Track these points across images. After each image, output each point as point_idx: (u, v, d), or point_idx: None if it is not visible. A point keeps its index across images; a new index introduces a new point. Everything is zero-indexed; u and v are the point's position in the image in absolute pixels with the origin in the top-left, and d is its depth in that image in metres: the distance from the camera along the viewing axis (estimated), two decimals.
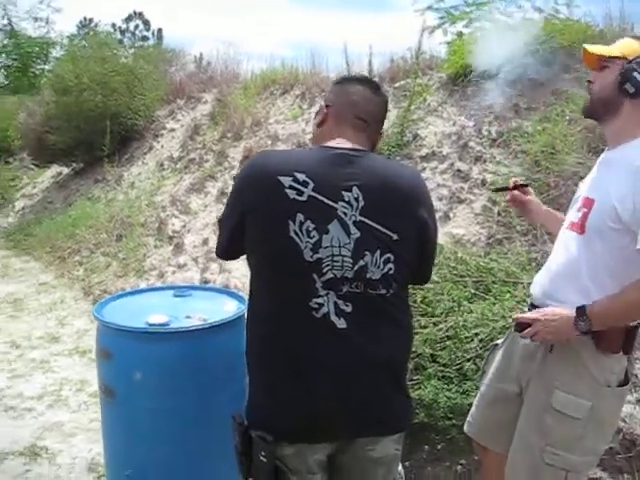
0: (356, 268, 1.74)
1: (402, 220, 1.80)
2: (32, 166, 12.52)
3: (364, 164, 1.82)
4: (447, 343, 3.14)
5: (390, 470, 1.93)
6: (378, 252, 1.76)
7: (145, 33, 33.92)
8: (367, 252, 1.75)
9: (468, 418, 2.44)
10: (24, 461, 3.56)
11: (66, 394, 4.49)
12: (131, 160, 9.64)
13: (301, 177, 1.73)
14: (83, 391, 4.53)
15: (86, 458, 3.59)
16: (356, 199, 1.75)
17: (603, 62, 2.02)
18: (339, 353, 1.74)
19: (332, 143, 1.86)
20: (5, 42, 20.87)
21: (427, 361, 3.10)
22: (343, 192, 1.75)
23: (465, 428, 2.46)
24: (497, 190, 2.57)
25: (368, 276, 1.75)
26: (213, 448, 2.68)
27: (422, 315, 3.29)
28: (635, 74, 1.92)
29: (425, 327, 3.22)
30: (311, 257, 1.71)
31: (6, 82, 21.50)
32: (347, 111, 1.91)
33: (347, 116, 1.91)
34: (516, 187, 2.47)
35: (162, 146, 9.34)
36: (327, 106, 1.96)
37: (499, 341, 2.42)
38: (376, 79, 6.46)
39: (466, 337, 3.08)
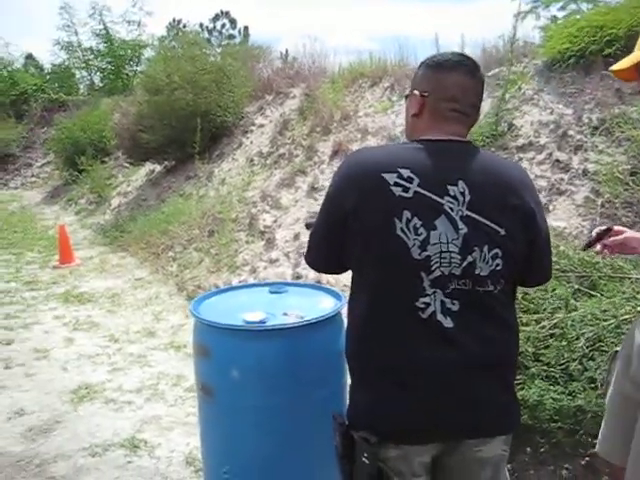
0: (464, 264, 1.67)
1: (508, 214, 1.72)
2: (126, 165, 12.94)
3: (468, 157, 1.76)
4: (551, 342, 3.00)
5: (498, 471, 1.85)
6: (486, 247, 1.68)
7: (232, 32, 34.32)
8: (475, 247, 1.67)
9: (599, 437, 2.26)
10: (125, 453, 3.65)
11: (163, 388, 4.58)
12: (221, 156, 9.78)
13: (405, 173, 1.67)
14: (179, 385, 4.61)
15: (183, 452, 3.64)
16: (462, 193, 1.68)
17: (638, 68, 1.87)
18: (446, 355, 1.67)
19: (432, 136, 1.78)
20: (100, 47, 21.61)
21: (530, 360, 2.97)
22: (449, 186, 1.68)
23: (596, 448, 2.27)
24: (586, 248, 2.27)
25: (476, 272, 1.68)
26: (312, 446, 2.66)
27: (524, 312, 3.16)
28: None
29: (527, 325, 3.08)
30: (419, 255, 1.65)
31: (101, 84, 22.32)
32: (447, 106, 1.80)
33: (446, 112, 1.80)
34: (600, 237, 2.15)
35: (251, 142, 9.43)
36: (422, 95, 1.83)
37: (619, 348, 2.27)
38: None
39: (572, 336, 2.92)
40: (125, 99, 13.92)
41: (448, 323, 1.66)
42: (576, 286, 3.25)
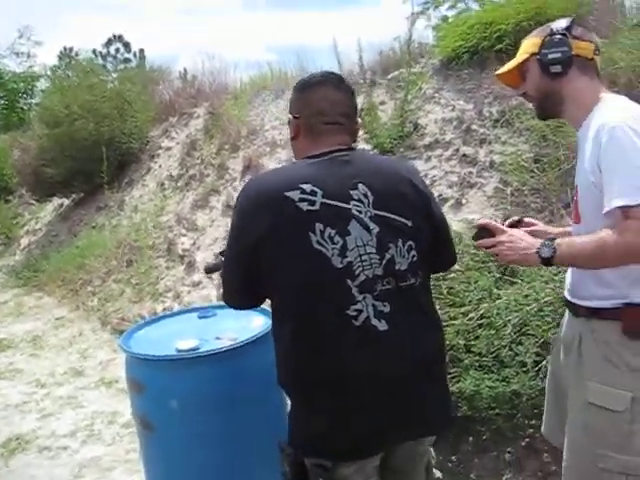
0: (384, 263, 1.71)
1: (409, 205, 1.79)
2: (32, 201, 12.49)
3: (359, 160, 1.82)
4: (480, 332, 3.09)
5: (427, 452, 1.95)
6: (400, 241, 1.74)
7: (127, 55, 33.81)
8: (390, 244, 1.73)
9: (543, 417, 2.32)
10: None
11: (99, 428, 4.45)
12: (131, 184, 9.60)
13: (308, 187, 1.70)
14: (115, 423, 4.49)
15: None
16: (365, 195, 1.73)
17: (521, 72, 2.02)
18: (385, 359, 1.69)
19: (318, 150, 1.82)
20: None
21: (462, 352, 3.05)
22: (350, 191, 1.73)
23: (542, 429, 2.33)
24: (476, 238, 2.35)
25: (397, 268, 1.73)
26: (258, 468, 2.65)
27: (450, 306, 3.24)
28: (549, 55, 1.91)
29: (455, 318, 3.17)
30: (341, 262, 1.67)
31: None
32: (318, 120, 1.87)
33: (319, 125, 1.87)
34: (513, 225, 2.18)
35: (160, 166, 9.30)
36: (295, 117, 1.91)
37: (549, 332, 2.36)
38: (368, 73, 6.42)
39: (499, 324, 3.02)
40: (23, 135, 13.43)
41: (383, 326, 1.69)
42: (497, 275, 3.35)
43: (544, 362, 2.83)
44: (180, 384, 2.56)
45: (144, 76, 12.55)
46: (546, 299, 2.97)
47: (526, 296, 3.05)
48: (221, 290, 2.04)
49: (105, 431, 4.38)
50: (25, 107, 20.87)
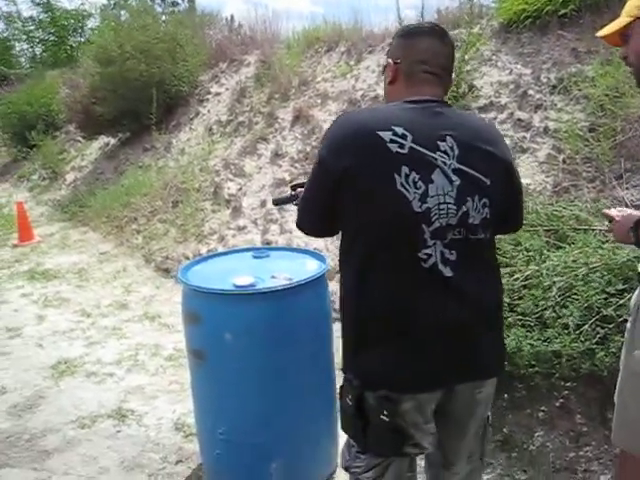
0: (460, 214, 1.76)
1: (491, 165, 1.83)
2: (79, 138, 12.68)
3: (450, 114, 1.85)
4: (525, 292, 3.15)
5: (487, 406, 2.02)
6: (477, 197, 1.78)
7: None
8: (468, 198, 1.77)
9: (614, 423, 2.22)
10: (113, 423, 3.71)
11: (142, 358, 4.63)
12: (178, 127, 9.69)
13: (399, 130, 1.74)
14: (158, 355, 4.66)
15: (171, 418, 3.71)
16: (451, 148, 1.77)
17: (623, 35, 1.93)
18: (451, 304, 1.76)
19: (414, 97, 1.85)
20: (42, 17, 20.93)
21: (506, 311, 3.10)
22: (438, 142, 1.77)
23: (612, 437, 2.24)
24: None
25: (470, 221, 1.77)
26: (305, 402, 2.79)
27: None
28: None
29: (501, 277, 3.22)
30: (420, 207, 1.72)
31: (44, 56, 21.65)
32: (419, 69, 1.89)
33: (419, 74, 1.90)
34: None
35: (209, 111, 9.37)
36: (395, 62, 1.93)
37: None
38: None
39: (545, 285, 3.07)
40: (73, 72, 13.56)
41: (448, 272, 1.75)
42: (545, 239, 3.40)
43: (586, 326, 2.89)
44: (235, 318, 2.68)
45: (195, 20, 12.56)
46: (594, 265, 3.02)
47: (574, 260, 3.09)
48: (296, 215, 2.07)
49: (149, 362, 4.56)
50: (74, 45, 20.95)
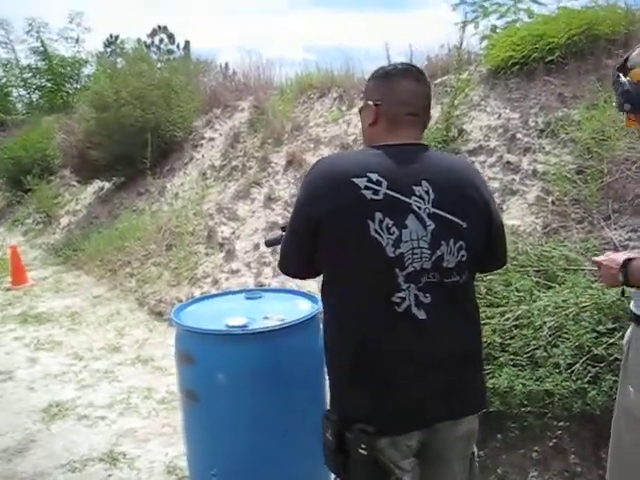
0: (434, 258, 1.79)
1: (468, 207, 1.86)
2: (74, 183, 12.76)
3: (427, 158, 1.89)
4: (516, 332, 3.17)
5: (470, 443, 2.01)
6: (452, 241, 1.81)
7: (170, 47, 34.07)
8: (443, 242, 1.80)
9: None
10: (104, 466, 3.68)
11: (135, 401, 4.60)
12: (172, 171, 9.79)
13: (374, 177, 1.78)
14: (151, 398, 4.63)
15: (164, 462, 3.68)
16: (427, 192, 1.81)
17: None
18: (424, 345, 1.79)
19: (391, 141, 1.90)
20: (39, 64, 21.23)
21: (497, 350, 3.13)
22: (414, 187, 1.80)
23: None
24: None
25: (444, 265, 1.81)
26: (298, 444, 2.76)
27: (488, 306, 3.32)
28: None
29: (492, 317, 3.25)
30: (393, 252, 1.76)
31: (40, 102, 21.90)
32: (399, 111, 1.93)
33: (402, 116, 1.93)
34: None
35: (202, 156, 9.47)
36: (376, 104, 1.96)
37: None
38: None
39: (536, 325, 3.10)
40: (69, 117, 13.72)
41: (422, 315, 1.78)
42: (535, 279, 3.44)
43: (577, 365, 2.91)
44: (228, 359, 2.68)
45: (189, 67, 12.77)
46: (584, 304, 3.05)
47: (564, 300, 3.12)
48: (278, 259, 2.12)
49: (141, 405, 4.53)
50: (70, 91, 21.20)
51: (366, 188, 1.77)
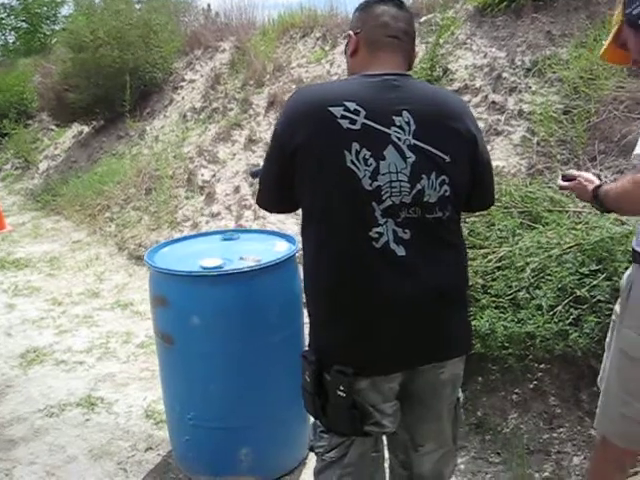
0: (414, 192, 1.71)
1: (452, 141, 1.77)
2: (52, 127, 12.49)
3: (409, 87, 1.79)
4: (498, 274, 3.11)
5: (455, 388, 1.96)
6: (434, 174, 1.73)
7: None
8: (423, 175, 1.72)
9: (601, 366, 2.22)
10: (82, 411, 3.65)
11: (113, 346, 4.56)
12: (152, 114, 9.57)
13: (352, 106, 1.69)
14: (130, 343, 4.59)
15: (142, 406, 3.65)
16: (407, 123, 1.72)
17: (621, 44, 1.88)
18: (402, 283, 1.72)
19: (372, 70, 1.81)
20: (13, 4, 20.62)
21: (479, 292, 3.08)
22: (394, 117, 1.71)
23: (598, 379, 2.23)
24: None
25: (425, 199, 1.72)
26: (274, 387, 2.74)
27: (470, 248, 3.25)
28: (633, 12, 1.76)
29: (474, 259, 3.19)
30: (370, 185, 1.68)
31: (16, 44, 21.34)
32: (378, 33, 1.85)
33: (379, 38, 1.85)
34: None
35: (183, 98, 9.25)
36: (356, 33, 1.89)
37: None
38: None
39: (519, 266, 3.04)
40: (46, 58, 13.34)
41: (401, 251, 1.70)
42: (519, 220, 3.37)
43: (560, 307, 2.87)
44: (202, 301, 2.62)
45: (170, 7, 12.39)
46: (567, 245, 2.99)
47: (547, 241, 3.06)
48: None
49: (120, 349, 4.49)
50: (47, 33, 20.65)
51: (343, 117, 1.68)
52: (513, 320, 2.90)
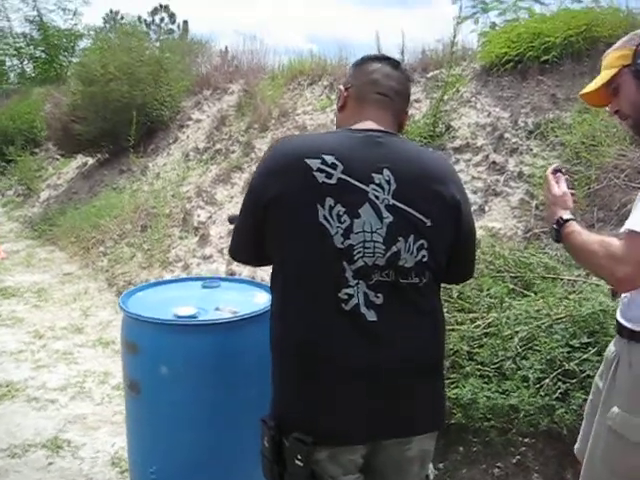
0: (388, 255, 1.62)
1: (435, 205, 1.68)
2: (57, 156, 12.53)
3: (393, 145, 1.72)
4: (485, 340, 3.00)
5: (424, 466, 1.84)
6: (412, 238, 1.64)
7: (171, 26, 33.69)
8: (400, 238, 1.63)
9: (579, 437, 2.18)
10: (47, 453, 3.50)
11: (89, 386, 4.42)
12: (156, 151, 9.58)
13: (330, 159, 1.62)
14: (106, 383, 4.46)
15: (109, 452, 3.51)
16: (387, 181, 1.64)
17: (611, 88, 1.85)
18: (371, 351, 1.62)
19: (358, 125, 1.75)
20: (34, 34, 20.90)
21: (464, 359, 2.97)
22: (373, 174, 1.64)
23: (575, 447, 2.20)
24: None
25: (400, 263, 1.63)
26: (240, 444, 2.59)
27: (459, 311, 3.16)
28: None
29: (462, 324, 3.09)
30: (342, 243, 1.60)
31: (33, 73, 21.58)
32: (367, 90, 1.81)
33: (368, 94, 1.80)
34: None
35: (188, 137, 9.27)
36: (347, 88, 1.85)
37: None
38: (407, 70, 6.33)
39: (506, 335, 2.93)
40: (58, 88, 13.45)
41: (371, 316, 1.61)
42: (511, 286, 3.27)
43: (547, 380, 2.76)
44: (172, 350, 2.51)
45: (185, 47, 12.53)
46: (559, 316, 2.89)
47: (538, 310, 2.96)
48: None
49: (95, 390, 4.35)
50: (64, 63, 20.87)
51: (319, 170, 1.61)
52: (497, 391, 2.78)
